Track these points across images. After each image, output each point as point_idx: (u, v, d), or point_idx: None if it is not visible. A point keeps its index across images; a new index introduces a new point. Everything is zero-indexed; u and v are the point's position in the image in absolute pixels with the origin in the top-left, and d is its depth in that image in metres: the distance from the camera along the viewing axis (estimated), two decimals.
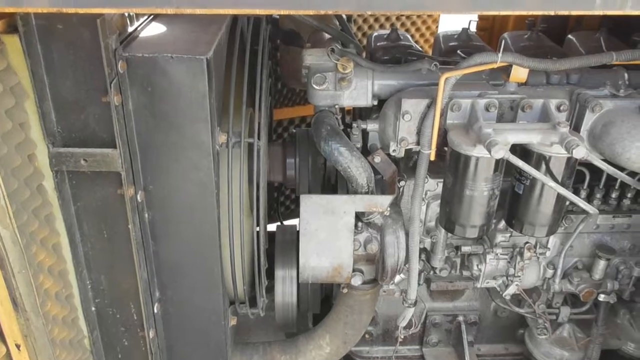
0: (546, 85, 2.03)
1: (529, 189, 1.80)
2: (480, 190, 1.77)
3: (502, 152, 1.60)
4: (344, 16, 2.66)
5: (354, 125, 2.07)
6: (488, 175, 1.75)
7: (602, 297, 2.23)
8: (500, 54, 1.76)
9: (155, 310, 1.93)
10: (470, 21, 3.15)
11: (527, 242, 2.11)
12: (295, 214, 4.43)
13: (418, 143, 1.90)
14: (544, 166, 1.75)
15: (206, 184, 1.78)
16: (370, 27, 3.87)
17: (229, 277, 2.07)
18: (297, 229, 2.79)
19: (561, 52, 2.43)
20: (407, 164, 2.30)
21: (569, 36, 2.55)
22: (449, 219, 1.90)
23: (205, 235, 1.87)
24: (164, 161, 1.74)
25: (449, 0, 1.14)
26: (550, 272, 2.22)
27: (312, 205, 1.94)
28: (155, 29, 1.81)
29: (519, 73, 1.85)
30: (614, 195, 2.15)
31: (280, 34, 2.71)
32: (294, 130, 2.63)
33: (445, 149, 1.95)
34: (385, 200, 1.94)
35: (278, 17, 2.76)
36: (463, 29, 2.48)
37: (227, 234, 1.97)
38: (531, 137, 1.71)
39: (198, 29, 1.82)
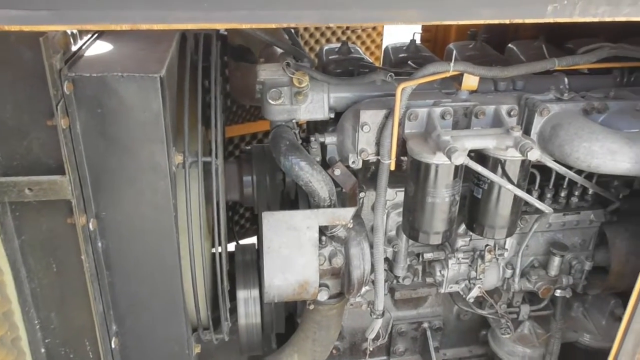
0: (495, 92, 2.10)
1: (487, 192, 1.85)
2: (442, 196, 1.79)
3: (462, 158, 1.63)
4: (292, 30, 2.66)
5: (312, 139, 2.06)
6: (448, 182, 1.77)
7: (558, 293, 2.31)
8: (452, 64, 1.80)
9: (113, 346, 1.82)
10: (414, 33, 3.24)
11: (487, 245, 2.15)
12: (250, 232, 4.35)
13: (378, 153, 1.91)
14: (500, 170, 1.80)
15: (164, 207, 1.71)
16: (317, 41, 3.90)
17: (191, 303, 1.99)
18: (257, 248, 2.75)
19: (504, 60, 2.53)
20: (365, 175, 2.31)
21: (510, 45, 2.66)
22: (412, 227, 1.92)
23: (165, 261, 1.79)
24: (118, 186, 1.66)
25: (409, 12, 1.15)
26: (509, 272, 2.27)
27: (275, 222, 1.90)
28: (101, 47, 1.73)
29: (470, 81, 1.90)
30: (562, 194, 2.24)
31: (229, 50, 2.66)
32: (247, 148, 2.59)
33: (404, 158, 1.97)
34: (348, 212, 1.93)
35: (226, 33, 2.72)
36: (411, 40, 2.54)
37: (187, 258, 1.89)
38: (487, 142, 1.76)
39: (146, 46, 1.76)
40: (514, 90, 2.14)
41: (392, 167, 1.88)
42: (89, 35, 1.75)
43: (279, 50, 2.25)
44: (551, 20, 1.20)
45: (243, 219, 4.20)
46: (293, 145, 1.90)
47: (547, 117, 1.86)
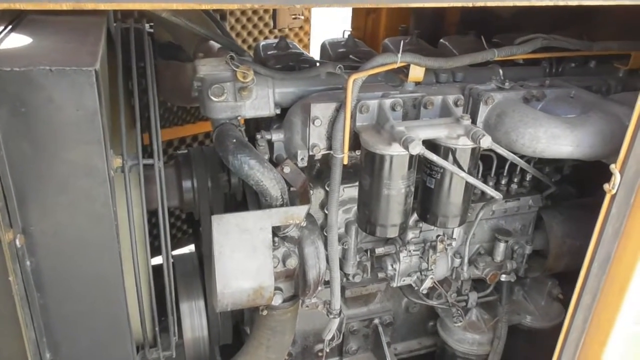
0: (437, 84, 2.12)
1: (440, 182, 1.85)
2: (398, 188, 1.77)
3: (418, 147, 1.62)
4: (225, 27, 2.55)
5: (258, 136, 1.97)
6: (404, 173, 1.76)
7: (503, 278, 2.38)
8: (400, 55, 1.79)
9: None
10: (344, 31, 3.23)
11: (438, 235, 2.17)
12: (183, 242, 4.15)
13: (330, 148, 1.86)
14: (451, 158, 1.81)
15: (103, 216, 1.54)
16: (244, 40, 3.79)
17: (135, 321, 1.82)
18: (198, 256, 2.60)
19: (440, 54, 2.57)
20: (310, 173, 2.25)
21: (442, 40, 2.72)
22: (369, 221, 1.88)
23: (106, 278, 1.62)
24: (48, 195, 1.47)
25: None
26: (457, 261, 2.31)
27: (225, 225, 1.79)
28: (19, 40, 1.53)
29: (417, 72, 1.90)
30: (503, 181, 2.31)
31: (156, 47, 2.50)
32: (178, 153, 2.44)
33: (356, 152, 1.93)
34: (302, 210, 1.86)
35: (152, 30, 2.55)
36: (349, 35, 2.52)
37: (130, 271, 1.73)
38: (439, 132, 1.76)
39: (73, 39, 1.58)
40: (454, 82, 2.18)
41: (345, 161, 1.83)
42: (2, 27, 1.55)
43: (217, 45, 2.14)
44: (511, 4, 1.21)
45: (174, 228, 4.00)
46: (241, 143, 1.80)
47: (491, 106, 1.90)
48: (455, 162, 1.80)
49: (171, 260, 2.08)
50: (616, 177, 1.55)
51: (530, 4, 1.23)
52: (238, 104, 1.89)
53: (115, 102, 1.77)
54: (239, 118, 1.91)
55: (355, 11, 3.52)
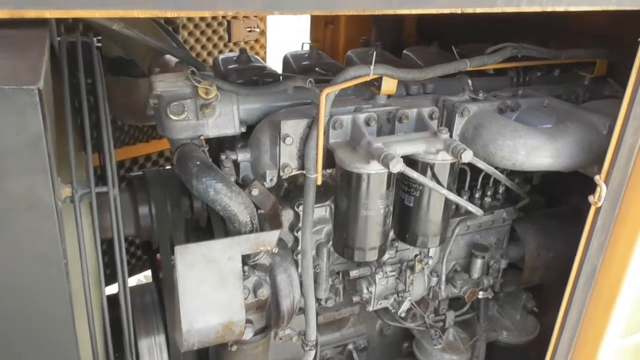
0: (408, 96, 2.04)
1: (419, 200, 1.76)
2: (377, 208, 1.66)
3: (399, 165, 1.52)
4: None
5: (223, 157, 1.82)
6: (382, 192, 1.65)
7: (481, 295, 2.31)
8: (372, 67, 1.70)
9: None
10: (303, 43, 3.14)
11: (416, 255, 2.08)
12: (140, 268, 3.90)
13: (302, 168, 1.73)
14: (429, 174, 1.72)
15: (50, 254, 1.35)
16: (198, 54, 3.63)
17: None
18: (157, 287, 2.40)
19: (405, 65, 2.50)
20: (278, 193, 2.12)
21: (405, 51, 2.65)
22: (346, 244, 1.76)
23: (55, 323, 1.42)
24: None
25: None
26: (434, 280, 2.22)
27: (190, 256, 1.62)
28: None
29: (389, 85, 1.81)
30: (477, 195, 2.25)
31: (106, 62, 2.31)
32: (131, 175, 2.25)
33: (328, 171, 1.82)
34: (273, 236, 1.72)
35: (100, 44, 2.36)
36: (312, 48, 2.41)
37: (81, 304, 1.53)
38: (418, 147, 1.67)
39: (10, 54, 1.40)
40: (424, 94, 2.11)
41: (319, 182, 1.71)
42: None
43: (173, 60, 1.98)
44: (500, 10, 1.13)
45: (128, 254, 3.74)
46: (205, 165, 1.65)
47: (467, 118, 1.83)
48: (434, 177, 1.72)
49: (128, 294, 1.89)
50: (602, 189, 1.50)
51: (520, 10, 1.16)
52: (200, 123, 1.74)
53: (61, 123, 1.58)
54: (201, 137, 1.76)
55: (314, 23, 3.43)
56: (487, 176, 2.21)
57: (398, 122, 1.78)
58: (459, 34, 2.69)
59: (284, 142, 1.68)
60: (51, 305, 1.38)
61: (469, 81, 2.22)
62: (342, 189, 1.69)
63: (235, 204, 1.65)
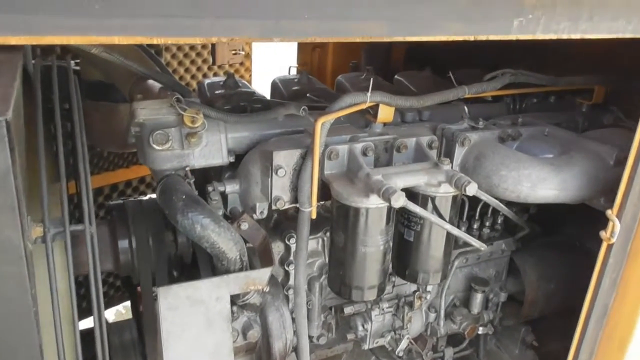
0: (404, 124, 1.96)
1: (420, 234, 1.66)
2: (377, 244, 1.56)
3: (402, 199, 1.42)
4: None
5: (210, 188, 1.70)
6: (382, 227, 1.55)
7: (481, 330, 2.20)
8: (369, 94, 1.61)
9: None
10: (290, 67, 3.06)
11: (416, 291, 1.97)
12: (118, 299, 3.72)
13: (295, 200, 1.62)
14: (430, 207, 1.62)
15: (17, 301, 1.21)
16: (181, 78, 3.52)
17: None
18: (136, 324, 2.25)
19: (397, 90, 2.43)
20: (267, 225, 2.00)
21: (397, 77, 2.59)
22: (343, 282, 1.65)
23: None
24: None
25: (378, 26, 0.91)
26: (432, 315, 2.11)
27: (174, 298, 1.49)
28: None
29: (386, 113, 1.72)
30: (475, 226, 2.16)
31: (84, 87, 2.18)
32: (111, 203, 2.11)
33: (323, 203, 1.71)
34: (264, 274, 1.59)
35: (79, 67, 2.24)
36: (301, 72, 2.32)
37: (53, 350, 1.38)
38: (419, 179, 1.58)
39: None
40: (421, 121, 2.03)
41: (314, 215, 1.60)
42: None
43: (157, 85, 1.87)
44: (514, 37, 1.05)
45: (105, 284, 3.56)
46: (191, 199, 1.52)
47: (468, 147, 1.75)
48: (436, 211, 1.62)
49: (105, 332, 1.74)
50: (615, 225, 1.42)
51: (535, 38, 1.08)
52: (185, 153, 1.63)
53: (33, 154, 1.45)
54: (186, 168, 1.64)
55: (301, 46, 3.36)
56: (486, 206, 2.13)
57: (396, 151, 1.69)
58: (448, 59, 2.64)
59: (276, 173, 1.57)
60: (20, 356, 1.23)
61: (465, 108, 2.15)
62: (338, 223, 1.58)
63: (224, 241, 1.52)
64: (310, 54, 3.37)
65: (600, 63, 2.17)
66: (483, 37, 1.04)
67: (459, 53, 2.86)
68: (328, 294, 2.10)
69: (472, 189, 1.50)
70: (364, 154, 1.63)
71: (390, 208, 1.53)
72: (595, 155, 1.68)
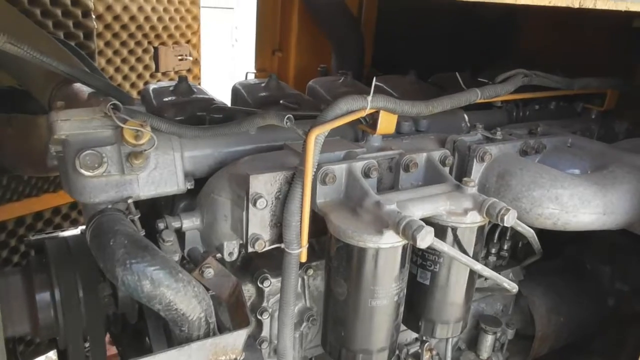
0: (403, 136, 1.61)
1: (437, 276, 1.30)
2: (389, 295, 1.18)
3: (430, 237, 1.05)
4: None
5: (161, 225, 1.28)
6: (396, 272, 1.18)
7: None
8: (370, 98, 1.25)
9: None
10: (247, 73, 2.68)
11: (425, 342, 1.60)
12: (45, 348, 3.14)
13: (279, 240, 1.23)
14: (450, 239, 1.27)
15: None
16: (119, 86, 3.03)
17: None
18: None
19: None
20: (233, 264, 1.59)
21: (376, 81, 2.22)
22: (344, 345, 1.25)
23: None
24: None
25: None
26: None
27: None
28: None
29: (388, 122, 1.37)
30: (481, 255, 1.83)
31: None
32: (30, 239, 1.62)
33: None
34: (238, 338, 1.19)
35: None
36: (270, 76, 1.93)
37: None
38: (439, 206, 1.22)
39: None
40: (418, 132, 1.69)
41: (303, 258, 1.21)
42: None
43: (86, 90, 1.42)
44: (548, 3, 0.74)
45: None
46: (136, 244, 1.10)
47: (488, 163, 1.41)
48: (459, 245, 1.27)
49: None
50: None
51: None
52: (127, 179, 1.20)
53: None
54: (129, 201, 1.21)
55: (260, 50, 2.97)
56: (492, 230, 1.81)
57: (404, 171, 1.33)
58: (415, 64, 2.35)
59: (254, 205, 1.17)
60: None
61: (465, 116, 1.84)
62: (338, 268, 1.19)
63: (184, 299, 1.11)
64: (269, 59, 2.99)
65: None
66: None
67: (428, 57, 2.59)
68: (310, 342, 1.71)
69: (511, 219, 1.16)
70: (366, 175, 1.26)
71: (407, 246, 1.17)
72: (639, 170, 1.39)
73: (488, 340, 1.80)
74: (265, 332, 1.61)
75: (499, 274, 1.86)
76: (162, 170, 1.25)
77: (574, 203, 1.30)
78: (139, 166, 1.19)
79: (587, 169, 1.47)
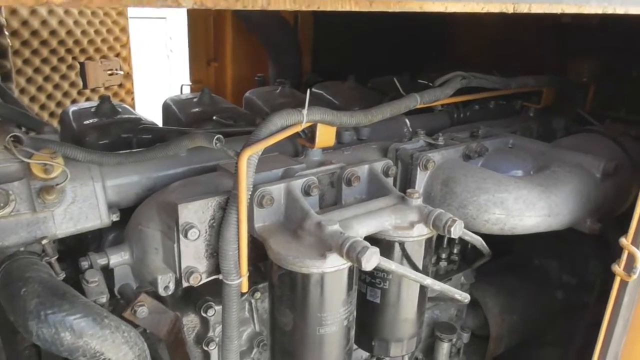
0: (343, 146, 1.54)
1: (387, 293, 1.24)
2: (339, 320, 1.11)
3: (375, 258, 0.99)
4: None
5: (84, 264, 1.16)
6: (343, 296, 1.11)
7: None
8: (305, 111, 1.18)
9: None
10: (182, 85, 2.58)
11: (377, 358, 1.54)
12: None
13: (216, 271, 1.13)
14: (399, 255, 1.22)
15: None
16: (43, 106, 2.83)
17: None
18: None
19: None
20: (174, 294, 1.48)
21: (315, 89, 2.19)
22: None
23: None
24: None
25: None
26: None
27: None
28: None
29: (327, 135, 1.30)
30: (432, 261, 1.80)
31: None
32: None
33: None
34: None
35: None
36: (203, 90, 1.82)
37: None
38: (384, 221, 1.16)
39: None
40: (360, 140, 1.64)
41: (245, 289, 1.12)
42: None
43: None
44: (560, 10, 0.69)
45: None
46: (51, 291, 0.98)
47: (431, 171, 1.37)
48: (407, 260, 1.22)
49: None
50: (637, 258, 1.10)
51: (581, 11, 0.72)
52: (40, 217, 1.08)
53: None
54: (43, 242, 1.08)
55: (194, 61, 2.84)
56: (441, 236, 1.78)
57: (346, 185, 1.27)
58: (355, 69, 2.32)
59: (185, 236, 1.07)
60: None
61: (407, 121, 1.80)
62: (281, 297, 1.11)
63: (112, 347, 1.00)
64: (205, 70, 2.87)
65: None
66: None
67: (366, 62, 2.56)
68: None
69: (457, 229, 1.11)
70: (307, 193, 1.18)
71: (353, 267, 1.10)
72: (580, 168, 1.39)
73: (444, 347, 1.77)
74: None
75: (451, 279, 1.85)
76: (82, 204, 1.13)
77: (519, 207, 1.27)
78: (52, 202, 1.07)
79: (530, 170, 1.46)
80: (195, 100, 1.80)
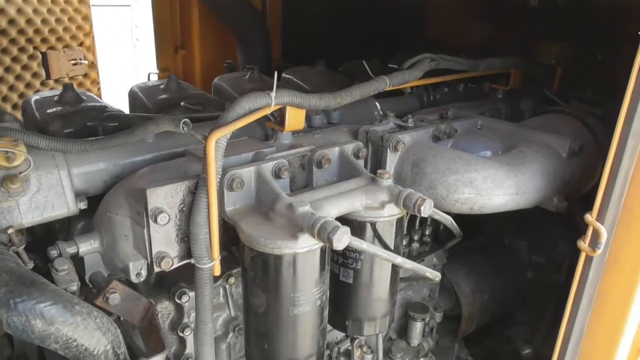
0: (314, 130, 1.55)
1: (360, 273, 1.26)
2: (312, 300, 1.12)
3: (346, 238, 1.00)
4: None
5: (53, 253, 1.13)
6: (316, 276, 1.11)
7: None
8: (274, 94, 1.17)
9: None
10: (149, 74, 2.53)
11: (355, 339, 1.56)
12: None
13: (188, 255, 1.13)
14: (371, 236, 1.23)
15: None
16: (5, 98, 2.75)
17: None
18: None
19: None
20: (147, 281, 1.47)
21: (285, 74, 2.19)
22: (268, 358, 1.17)
23: None
24: None
25: None
26: (369, 357, 1.73)
27: None
28: None
29: (297, 118, 1.30)
30: (404, 242, 1.82)
31: None
32: None
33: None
34: None
35: None
36: (170, 77, 1.80)
37: None
38: (355, 202, 1.17)
39: None
40: (330, 124, 1.64)
41: (217, 272, 1.12)
42: None
43: None
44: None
45: None
46: (19, 280, 0.96)
47: (401, 152, 1.39)
48: (379, 240, 1.23)
49: None
50: (602, 234, 1.14)
51: None
52: (4, 206, 1.06)
53: None
54: (9, 231, 1.06)
55: (161, 49, 2.79)
56: (413, 217, 1.81)
57: (316, 167, 1.27)
58: (325, 54, 2.32)
59: (155, 221, 1.06)
60: None
61: (377, 104, 1.81)
62: (254, 279, 1.11)
63: (84, 333, 0.99)
64: (172, 58, 2.82)
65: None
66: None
67: (337, 46, 2.56)
68: (238, 352, 1.63)
69: (427, 208, 1.13)
70: (277, 175, 1.18)
71: (324, 248, 1.11)
72: (547, 148, 1.42)
73: (417, 327, 1.80)
74: (189, 349, 1.51)
75: (424, 259, 1.88)
76: (47, 192, 1.11)
77: (488, 186, 1.30)
78: (16, 191, 1.04)
79: (498, 150, 1.49)
80: (162, 87, 1.77)
